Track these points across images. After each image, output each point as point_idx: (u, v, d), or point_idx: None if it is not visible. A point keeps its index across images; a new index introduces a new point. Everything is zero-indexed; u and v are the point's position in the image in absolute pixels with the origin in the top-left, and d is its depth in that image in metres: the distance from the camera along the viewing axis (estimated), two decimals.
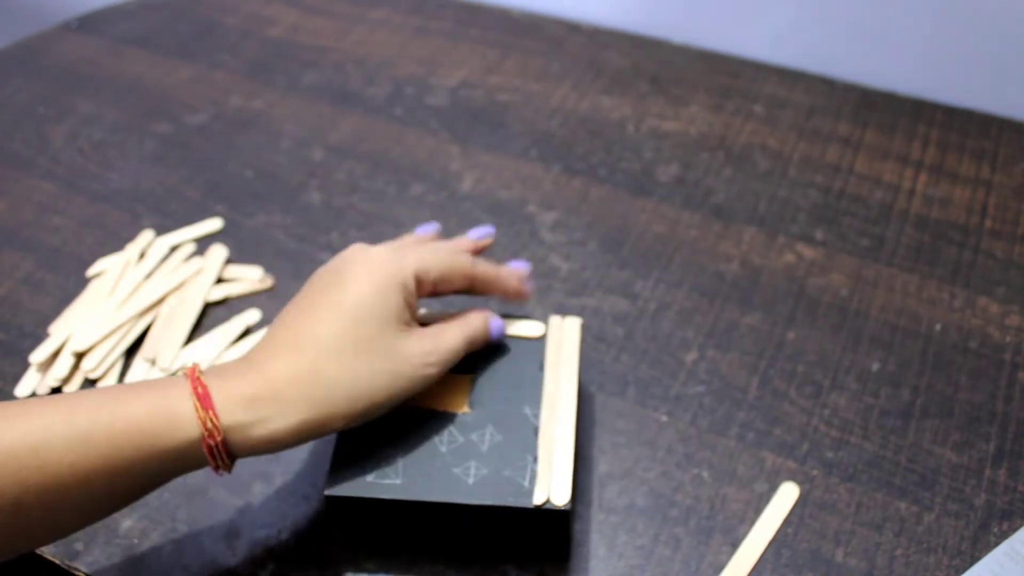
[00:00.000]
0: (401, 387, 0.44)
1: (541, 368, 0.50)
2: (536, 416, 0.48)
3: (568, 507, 0.44)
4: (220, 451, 0.40)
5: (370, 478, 0.45)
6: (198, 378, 0.41)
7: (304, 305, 0.45)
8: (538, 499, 0.44)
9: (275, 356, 0.43)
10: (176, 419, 0.40)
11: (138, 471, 0.40)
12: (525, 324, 0.52)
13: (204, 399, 0.40)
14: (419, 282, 0.47)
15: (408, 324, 0.45)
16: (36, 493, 0.38)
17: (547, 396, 0.49)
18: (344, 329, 0.43)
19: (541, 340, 0.51)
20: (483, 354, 0.50)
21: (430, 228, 0.53)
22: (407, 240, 0.52)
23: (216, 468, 0.42)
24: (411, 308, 0.46)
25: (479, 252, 0.52)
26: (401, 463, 0.46)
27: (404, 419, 0.47)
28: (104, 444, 0.39)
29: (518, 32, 0.89)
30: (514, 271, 0.52)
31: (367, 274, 0.45)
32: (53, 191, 0.72)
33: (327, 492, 0.45)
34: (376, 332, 0.43)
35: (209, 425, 0.40)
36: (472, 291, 0.50)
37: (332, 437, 0.49)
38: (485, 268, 0.50)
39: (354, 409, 0.43)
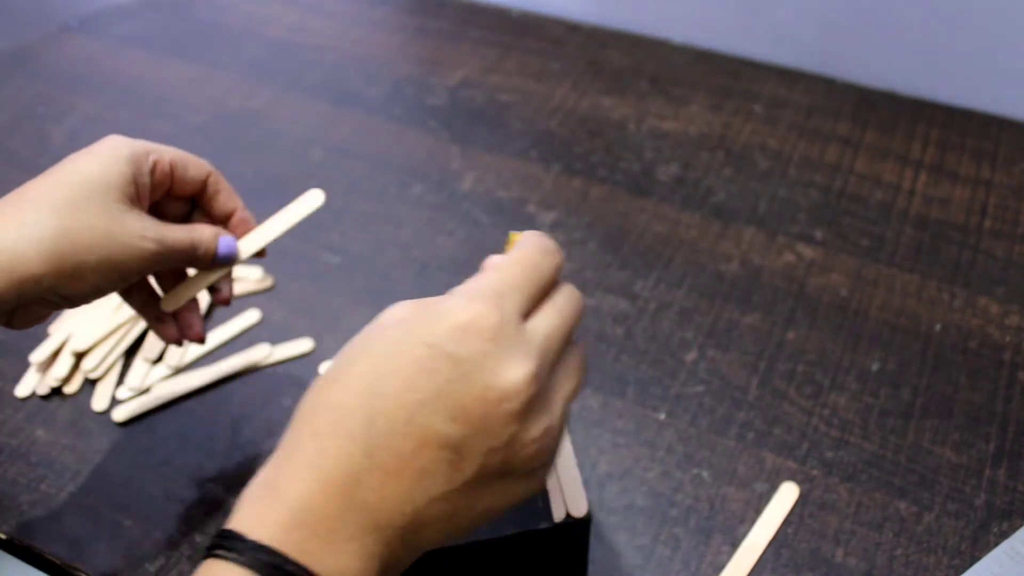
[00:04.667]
0: (114, 253, 0.42)
1: None
2: None
3: (588, 516, 0.43)
4: None
5: None
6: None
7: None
8: (558, 515, 0.43)
9: None
10: None
11: None
12: None
13: None
14: (154, 165, 0.45)
15: (132, 200, 0.44)
16: None
17: None
18: (56, 187, 0.42)
19: None
20: None
21: None
22: None
23: None
24: (139, 187, 0.44)
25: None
26: None
27: None
28: None
29: (518, 32, 0.89)
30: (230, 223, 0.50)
31: (96, 147, 0.44)
32: None
33: None
34: (93, 193, 0.42)
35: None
36: (203, 200, 0.49)
37: None
38: (221, 179, 0.49)
39: (59, 251, 0.40)
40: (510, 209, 0.70)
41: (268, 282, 0.64)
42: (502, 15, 0.91)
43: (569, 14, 0.91)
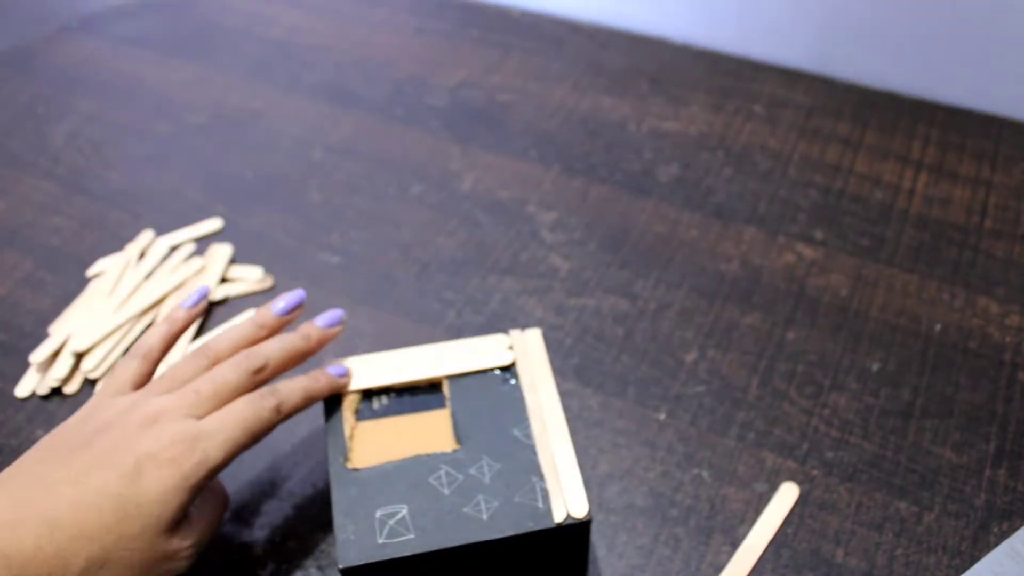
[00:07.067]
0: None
1: (518, 386, 0.49)
2: (528, 435, 0.46)
3: (589, 517, 0.43)
4: None
5: (382, 540, 0.42)
6: None
7: (77, 468, 0.40)
8: (558, 517, 0.43)
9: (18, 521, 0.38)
10: None
11: None
12: (488, 342, 0.50)
13: None
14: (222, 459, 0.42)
15: (179, 523, 0.41)
16: None
17: (532, 412, 0.47)
18: (108, 517, 0.39)
19: (508, 357, 0.50)
20: (455, 385, 0.49)
21: (281, 307, 0.48)
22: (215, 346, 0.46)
23: None
24: (192, 501, 0.42)
25: (326, 341, 0.48)
26: (408, 517, 0.43)
27: (394, 471, 0.45)
28: None
29: (518, 32, 0.89)
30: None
31: (163, 475, 0.40)
32: (53, 191, 0.72)
33: (342, 566, 0.41)
34: (144, 531, 0.40)
35: None
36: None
37: (327, 505, 0.49)
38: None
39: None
40: (510, 209, 0.70)
41: (268, 282, 0.64)
42: (502, 15, 0.91)
43: (569, 14, 0.91)
